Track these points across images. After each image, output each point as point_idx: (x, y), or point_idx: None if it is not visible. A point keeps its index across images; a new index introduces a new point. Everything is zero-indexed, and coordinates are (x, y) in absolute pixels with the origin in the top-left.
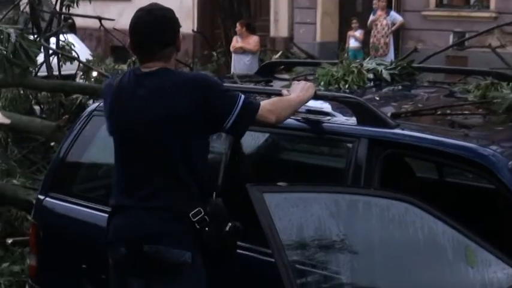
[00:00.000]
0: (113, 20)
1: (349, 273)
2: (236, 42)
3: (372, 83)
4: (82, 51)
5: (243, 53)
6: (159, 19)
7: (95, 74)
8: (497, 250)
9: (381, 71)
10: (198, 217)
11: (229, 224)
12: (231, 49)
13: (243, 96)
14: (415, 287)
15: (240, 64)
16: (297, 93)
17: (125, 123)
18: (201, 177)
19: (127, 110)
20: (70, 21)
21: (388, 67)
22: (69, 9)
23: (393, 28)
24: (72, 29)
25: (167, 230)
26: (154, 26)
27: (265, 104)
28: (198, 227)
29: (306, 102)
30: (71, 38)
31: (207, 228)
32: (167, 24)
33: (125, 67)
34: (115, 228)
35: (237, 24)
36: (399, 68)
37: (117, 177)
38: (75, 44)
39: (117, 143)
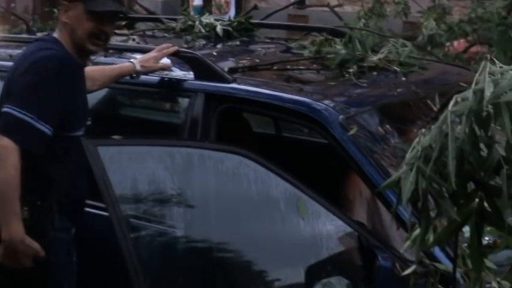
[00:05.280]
0: None
1: (183, 226)
2: None
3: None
4: None
5: None
6: None
7: None
8: (327, 202)
9: (217, 26)
10: None
11: None
12: None
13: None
14: (249, 239)
15: None
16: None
17: None
18: None
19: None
20: None
21: (225, 23)
22: None
23: None
24: None
25: None
26: None
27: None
28: None
29: None
30: None
31: None
32: None
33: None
34: None
35: None
36: (236, 23)
37: None
38: None
39: None
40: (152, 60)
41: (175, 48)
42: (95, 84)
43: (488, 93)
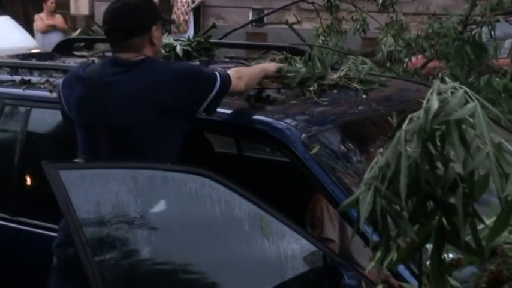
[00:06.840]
0: None
1: (147, 249)
2: (41, 21)
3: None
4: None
5: (51, 32)
6: (128, 6)
7: None
8: (291, 221)
9: (176, 46)
10: None
11: None
12: (39, 29)
13: (218, 74)
14: (214, 260)
15: (51, 43)
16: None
17: (110, 114)
18: None
19: (112, 101)
20: None
21: (184, 43)
22: None
23: (193, 5)
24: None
25: None
26: (121, 13)
27: (233, 73)
28: None
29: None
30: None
31: None
32: (135, 12)
33: None
34: (65, 230)
35: (51, 0)
36: (195, 43)
37: None
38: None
39: (92, 135)
40: None
41: None
42: None
43: (432, 112)
